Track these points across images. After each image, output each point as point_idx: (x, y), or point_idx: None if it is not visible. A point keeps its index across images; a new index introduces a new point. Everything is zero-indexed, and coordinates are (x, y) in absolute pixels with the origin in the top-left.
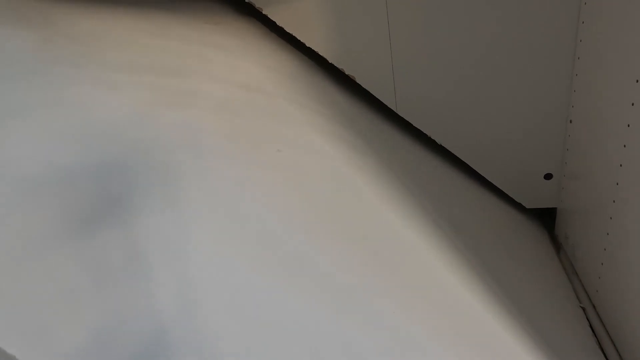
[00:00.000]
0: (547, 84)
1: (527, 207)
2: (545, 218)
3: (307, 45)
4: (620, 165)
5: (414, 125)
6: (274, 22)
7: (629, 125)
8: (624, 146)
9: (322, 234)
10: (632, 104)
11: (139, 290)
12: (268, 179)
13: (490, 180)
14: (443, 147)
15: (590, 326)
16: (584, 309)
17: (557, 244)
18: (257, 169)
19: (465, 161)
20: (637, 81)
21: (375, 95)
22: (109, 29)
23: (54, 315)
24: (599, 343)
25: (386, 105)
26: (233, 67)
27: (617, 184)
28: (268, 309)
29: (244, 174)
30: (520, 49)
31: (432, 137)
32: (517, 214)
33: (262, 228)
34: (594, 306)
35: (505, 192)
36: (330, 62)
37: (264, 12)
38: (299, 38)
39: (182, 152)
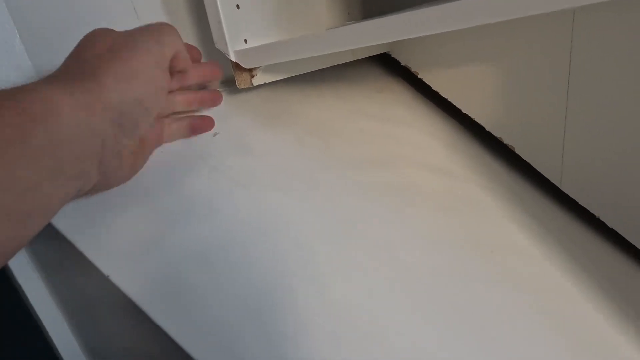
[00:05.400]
0: None
1: None
2: None
3: (463, 111)
4: None
5: (580, 203)
6: (426, 86)
7: None
8: None
9: (544, 338)
10: None
11: None
12: (497, 295)
13: None
14: (613, 230)
15: None
16: None
17: None
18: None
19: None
20: None
21: (536, 168)
22: (325, 116)
23: None
24: None
25: (545, 179)
26: (417, 145)
27: None
28: None
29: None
30: None
31: (603, 220)
32: None
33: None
34: None
35: None
36: (487, 129)
37: (419, 76)
38: (454, 104)
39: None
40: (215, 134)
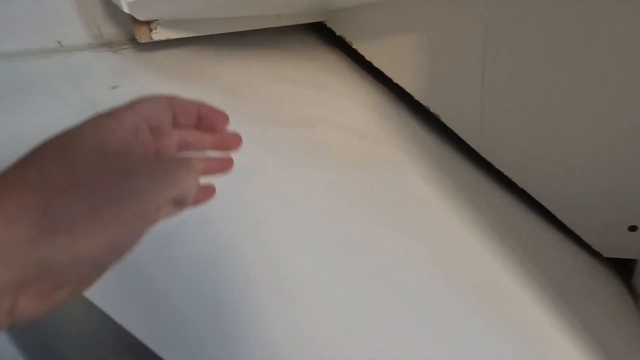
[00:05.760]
0: None
1: (605, 255)
2: (621, 266)
3: (394, 81)
4: None
5: (495, 166)
6: (361, 56)
7: None
8: None
9: (437, 279)
10: None
11: None
12: (388, 236)
13: (569, 226)
14: (523, 190)
15: None
16: None
17: (634, 294)
18: (382, 226)
19: (546, 206)
20: None
21: (459, 134)
22: (244, 79)
23: None
24: None
25: (468, 145)
26: (339, 110)
27: None
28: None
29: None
30: (617, 98)
31: (514, 180)
32: (593, 261)
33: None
34: None
35: (585, 240)
36: (415, 98)
37: (353, 46)
38: (386, 74)
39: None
40: (114, 87)
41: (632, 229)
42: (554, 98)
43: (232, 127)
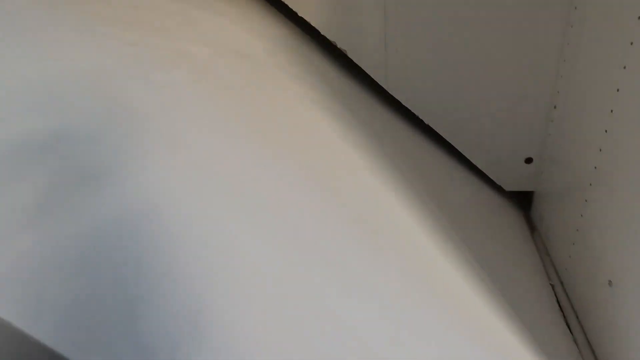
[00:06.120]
0: (534, 70)
1: (507, 189)
2: (522, 200)
3: (300, 14)
4: (600, 149)
5: (402, 103)
6: None
7: (612, 111)
8: (605, 131)
9: (317, 208)
10: (617, 90)
11: None
12: (255, 150)
13: (473, 162)
14: (429, 126)
15: (558, 302)
16: (553, 286)
17: (532, 225)
18: (240, 139)
19: (451, 142)
20: (624, 67)
21: (365, 70)
22: None
23: None
24: (565, 318)
25: (375, 82)
26: (223, 31)
27: (595, 167)
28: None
29: (225, 144)
30: (508, 35)
31: (419, 116)
32: (496, 195)
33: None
34: (562, 283)
35: (487, 174)
36: (322, 34)
37: None
38: (291, 7)
39: (164, 117)
40: None
41: (528, 161)
42: (454, 34)
43: (73, 25)
